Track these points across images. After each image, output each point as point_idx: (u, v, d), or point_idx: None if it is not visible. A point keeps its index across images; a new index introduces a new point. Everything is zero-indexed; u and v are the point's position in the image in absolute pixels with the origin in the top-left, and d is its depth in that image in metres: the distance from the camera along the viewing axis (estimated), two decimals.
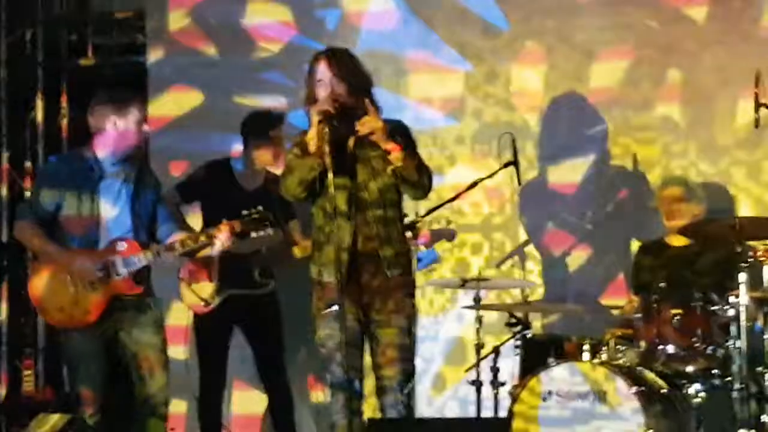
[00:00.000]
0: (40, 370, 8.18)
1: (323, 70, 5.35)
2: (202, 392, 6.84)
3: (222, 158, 7.07)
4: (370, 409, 5.61)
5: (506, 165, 6.62)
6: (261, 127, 6.93)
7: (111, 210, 6.01)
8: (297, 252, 6.69)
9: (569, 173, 7.55)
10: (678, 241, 6.80)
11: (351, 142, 5.38)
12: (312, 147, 5.24)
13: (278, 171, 6.18)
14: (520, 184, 6.67)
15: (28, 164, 8.38)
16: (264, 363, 6.93)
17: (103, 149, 6.00)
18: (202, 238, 5.98)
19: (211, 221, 6.28)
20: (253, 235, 5.94)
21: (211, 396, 6.84)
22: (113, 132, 5.99)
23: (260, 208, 5.92)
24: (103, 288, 5.91)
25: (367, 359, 5.44)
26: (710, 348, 6.23)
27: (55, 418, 5.92)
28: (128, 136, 6.01)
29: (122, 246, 5.95)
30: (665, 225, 6.85)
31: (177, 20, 8.23)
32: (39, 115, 8.40)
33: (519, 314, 6.62)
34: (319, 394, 7.41)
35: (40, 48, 8.50)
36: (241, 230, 5.91)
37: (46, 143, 8.37)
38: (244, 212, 5.91)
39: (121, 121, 6.00)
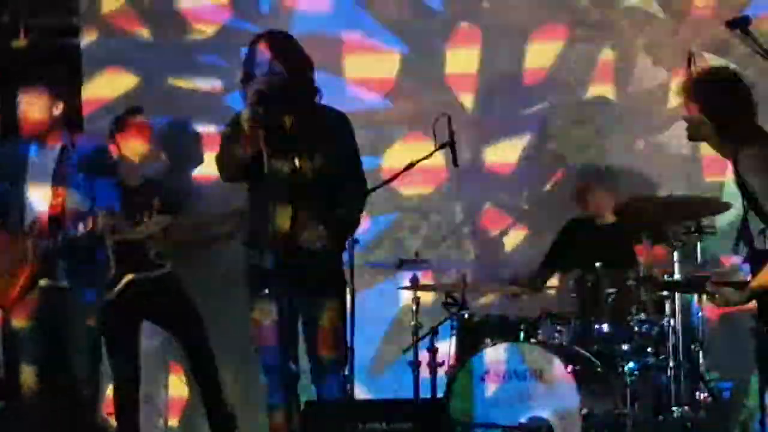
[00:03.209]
0: None
1: (261, 52, 5.33)
2: (116, 384, 6.85)
3: None
4: (305, 391, 5.60)
5: (442, 146, 6.59)
6: (119, 118, 7.01)
7: None
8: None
9: (505, 154, 7.56)
10: (609, 217, 6.84)
11: (289, 122, 5.35)
12: (246, 128, 5.20)
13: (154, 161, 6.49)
14: (456, 165, 6.66)
15: None
16: (185, 341, 6.96)
17: None
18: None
19: None
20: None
21: (127, 386, 6.84)
22: None
23: None
24: None
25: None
26: (645, 326, 6.28)
27: None
28: None
29: None
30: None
31: (111, 2, 8.14)
32: None
33: (456, 295, 6.64)
34: None
35: None
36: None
37: None
38: None
39: None
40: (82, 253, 6.13)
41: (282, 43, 5.38)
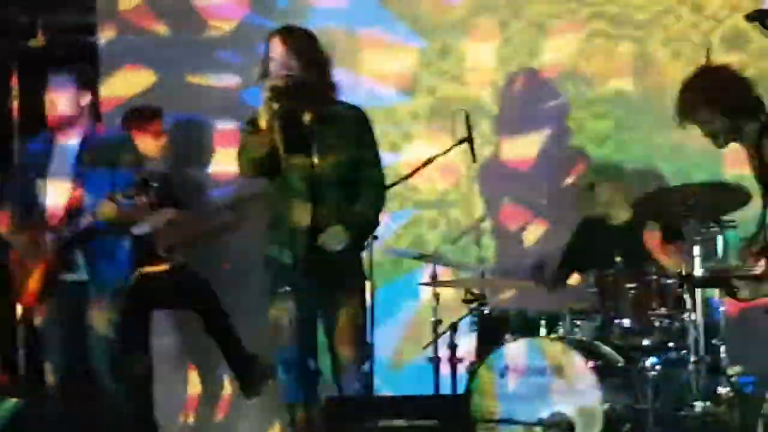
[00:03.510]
0: None
1: (276, 47, 5.33)
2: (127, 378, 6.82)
3: None
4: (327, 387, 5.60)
5: (461, 141, 6.62)
6: (142, 118, 7.02)
7: None
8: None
9: (525, 148, 7.54)
10: (623, 215, 6.81)
11: (307, 117, 5.33)
12: (262, 123, 5.19)
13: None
14: (475, 160, 6.65)
15: None
16: (208, 322, 6.96)
17: None
18: None
19: None
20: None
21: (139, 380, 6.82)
22: None
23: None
24: None
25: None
26: (666, 321, 6.25)
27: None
28: None
29: None
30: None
31: (127, 0, 8.18)
32: None
33: (476, 290, 6.62)
34: None
35: None
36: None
37: None
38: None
39: None
40: (100, 244, 6.12)
41: (298, 38, 5.37)
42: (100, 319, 6.13)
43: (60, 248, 6.04)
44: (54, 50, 8.36)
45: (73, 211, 6.11)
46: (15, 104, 8.22)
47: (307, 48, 5.35)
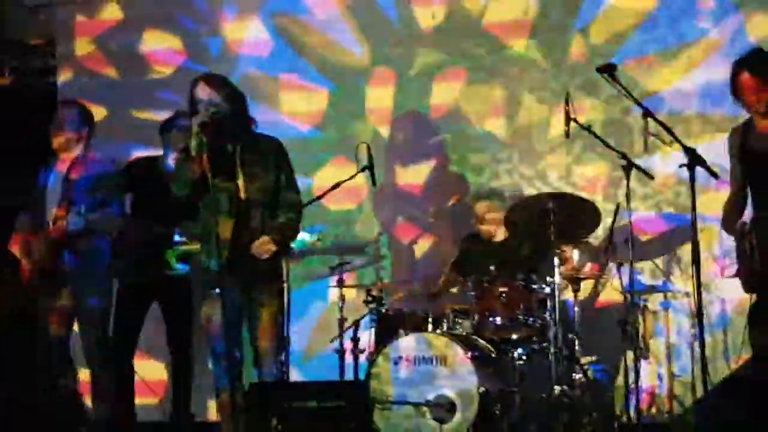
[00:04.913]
0: None
1: (200, 90, 5.23)
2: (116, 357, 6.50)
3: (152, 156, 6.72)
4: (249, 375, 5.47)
5: (363, 169, 6.55)
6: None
7: None
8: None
9: (415, 175, 7.52)
10: (500, 234, 6.79)
11: (230, 147, 5.24)
12: (193, 152, 5.08)
13: None
14: (375, 185, 6.60)
15: None
16: (172, 334, 6.63)
17: None
18: None
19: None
20: None
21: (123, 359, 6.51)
22: None
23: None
24: None
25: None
26: (530, 319, 6.25)
27: None
28: None
29: None
30: (480, 229, 6.84)
31: (83, 47, 8.12)
32: None
33: (374, 293, 6.56)
34: None
35: None
36: None
37: None
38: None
39: None
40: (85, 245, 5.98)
41: (218, 82, 5.29)
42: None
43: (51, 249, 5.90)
44: (19, 88, 8.23)
45: (61, 229, 5.93)
46: None
47: (225, 90, 5.26)
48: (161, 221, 6.15)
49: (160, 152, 6.57)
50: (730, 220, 5.26)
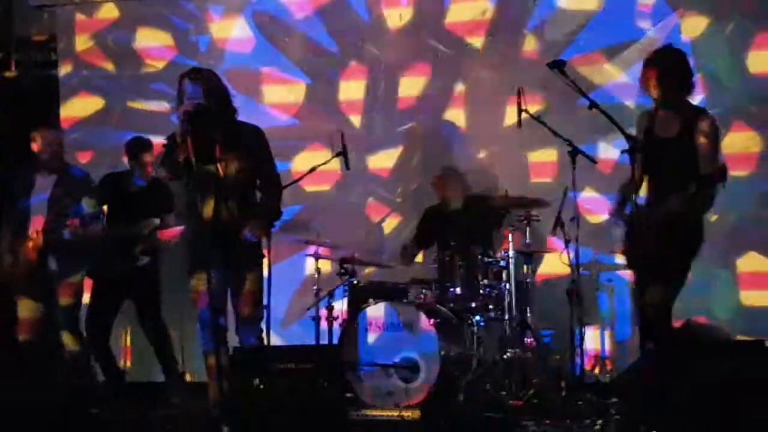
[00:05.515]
0: None
1: (187, 84, 5.24)
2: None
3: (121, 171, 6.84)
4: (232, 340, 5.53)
5: (337, 155, 6.60)
6: (145, 148, 6.71)
7: None
8: (163, 236, 6.46)
9: (384, 160, 7.56)
10: (457, 204, 6.86)
11: (213, 135, 5.26)
12: (179, 139, 5.12)
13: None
14: (348, 168, 6.64)
15: None
16: (144, 314, 6.74)
17: None
18: None
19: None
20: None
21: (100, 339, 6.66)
22: None
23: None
24: None
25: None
26: (488, 289, 6.33)
27: None
28: None
29: None
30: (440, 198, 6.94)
31: (82, 42, 8.05)
32: None
33: (347, 266, 6.62)
34: None
35: None
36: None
37: None
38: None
39: None
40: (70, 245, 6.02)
41: (202, 76, 5.27)
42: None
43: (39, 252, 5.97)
44: (24, 81, 8.20)
45: (47, 231, 5.98)
46: None
47: (209, 82, 5.26)
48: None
49: (154, 139, 6.63)
50: (622, 205, 5.33)
